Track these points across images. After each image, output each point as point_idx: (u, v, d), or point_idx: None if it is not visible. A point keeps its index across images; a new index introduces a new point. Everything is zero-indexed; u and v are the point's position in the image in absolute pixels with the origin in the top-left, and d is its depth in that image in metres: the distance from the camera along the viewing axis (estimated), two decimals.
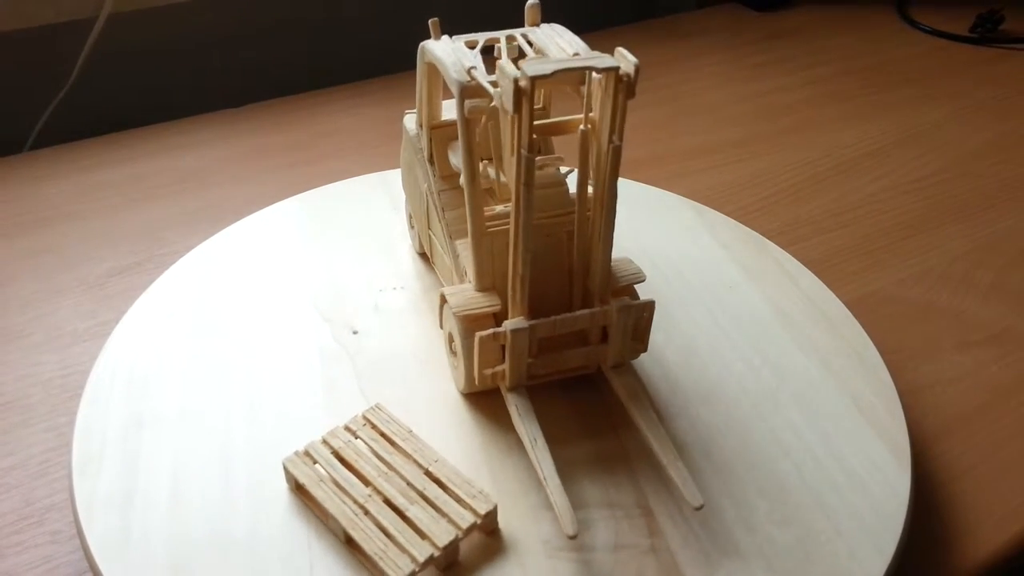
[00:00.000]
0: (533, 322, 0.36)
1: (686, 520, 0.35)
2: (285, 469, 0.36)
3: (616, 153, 0.35)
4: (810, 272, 0.48)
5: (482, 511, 0.33)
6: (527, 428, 0.36)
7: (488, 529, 0.34)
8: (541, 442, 0.35)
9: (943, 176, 0.65)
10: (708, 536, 0.34)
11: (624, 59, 0.33)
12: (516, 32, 0.39)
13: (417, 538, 0.33)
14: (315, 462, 0.36)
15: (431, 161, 0.43)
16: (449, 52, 0.37)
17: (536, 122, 0.35)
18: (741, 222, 0.53)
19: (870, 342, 0.44)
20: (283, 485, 0.36)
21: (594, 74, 0.35)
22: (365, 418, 0.38)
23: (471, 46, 0.38)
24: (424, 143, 0.43)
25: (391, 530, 0.33)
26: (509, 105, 0.32)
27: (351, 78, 0.77)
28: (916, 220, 0.60)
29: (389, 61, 0.82)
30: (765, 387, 0.41)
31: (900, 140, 0.69)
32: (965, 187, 0.63)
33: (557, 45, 0.37)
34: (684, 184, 0.62)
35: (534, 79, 0.32)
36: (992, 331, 0.50)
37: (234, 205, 0.59)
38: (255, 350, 0.43)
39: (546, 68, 0.32)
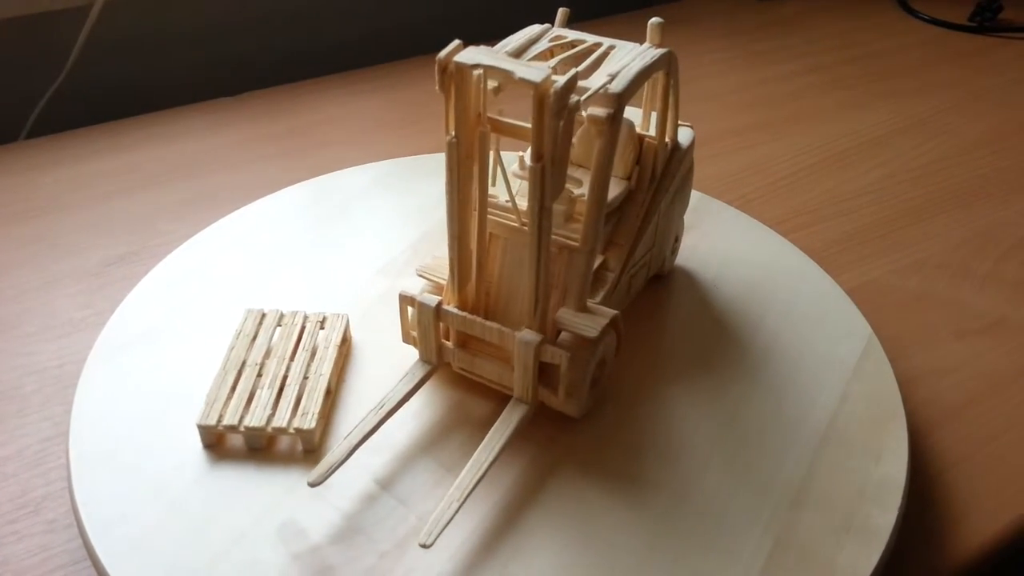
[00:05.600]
0: (443, 306, 0.37)
1: (421, 552, 0.33)
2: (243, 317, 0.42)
3: (535, 175, 0.32)
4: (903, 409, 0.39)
5: (296, 425, 0.36)
6: (391, 392, 0.37)
7: (307, 447, 0.37)
8: (385, 409, 0.36)
9: (941, 165, 0.65)
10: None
11: (558, 75, 0.32)
12: (605, 41, 0.38)
13: (243, 410, 0.37)
14: (261, 323, 0.41)
15: None
16: (514, 38, 0.37)
17: (497, 118, 0.34)
18: (742, 210, 0.52)
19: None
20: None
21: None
22: (323, 316, 0.42)
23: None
24: None
25: (237, 392, 0.37)
26: (437, 87, 0.33)
27: (347, 66, 0.77)
28: (914, 209, 0.59)
29: (385, 49, 0.82)
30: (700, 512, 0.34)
31: (899, 129, 0.69)
32: (963, 176, 0.63)
33: (616, 63, 0.36)
34: None
35: (459, 65, 0.32)
36: (989, 320, 0.50)
37: (230, 193, 0.58)
38: (280, 297, 0.46)
39: (470, 59, 0.32)
